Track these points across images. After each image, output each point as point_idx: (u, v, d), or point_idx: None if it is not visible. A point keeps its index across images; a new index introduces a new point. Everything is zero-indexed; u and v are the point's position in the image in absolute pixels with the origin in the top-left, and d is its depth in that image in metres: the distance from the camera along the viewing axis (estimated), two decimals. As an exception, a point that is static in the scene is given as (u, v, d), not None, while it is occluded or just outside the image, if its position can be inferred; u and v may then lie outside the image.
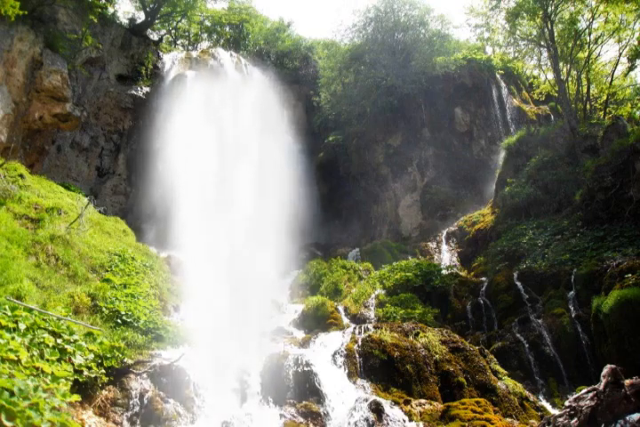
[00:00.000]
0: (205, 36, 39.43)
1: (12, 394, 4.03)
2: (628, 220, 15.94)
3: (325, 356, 10.23)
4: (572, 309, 13.10)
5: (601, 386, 6.55)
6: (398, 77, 29.42)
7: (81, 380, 7.16)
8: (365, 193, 31.82)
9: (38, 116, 19.67)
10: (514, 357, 12.04)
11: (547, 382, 11.50)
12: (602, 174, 17.48)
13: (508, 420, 8.60)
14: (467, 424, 7.96)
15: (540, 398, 10.87)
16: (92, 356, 7.53)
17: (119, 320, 10.18)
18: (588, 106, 27.39)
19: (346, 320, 15.54)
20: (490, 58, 31.82)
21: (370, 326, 11.57)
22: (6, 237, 10.78)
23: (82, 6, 21.24)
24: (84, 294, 10.28)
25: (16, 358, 5.72)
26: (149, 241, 19.22)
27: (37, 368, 5.95)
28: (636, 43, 25.45)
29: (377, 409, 8.08)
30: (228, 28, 38.18)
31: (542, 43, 26.68)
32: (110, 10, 27.28)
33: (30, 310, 7.16)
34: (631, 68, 28.06)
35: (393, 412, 8.19)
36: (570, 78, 27.54)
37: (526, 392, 10.27)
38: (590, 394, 6.55)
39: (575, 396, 6.83)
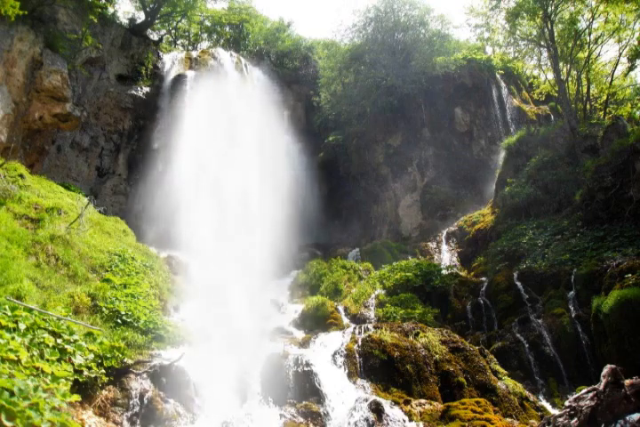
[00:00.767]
0: (205, 36, 39.44)
1: (11, 394, 4.03)
2: (628, 220, 15.94)
3: (325, 356, 10.23)
4: (572, 309, 13.10)
5: (601, 386, 6.55)
6: (398, 77, 29.43)
7: (81, 380, 7.16)
8: (365, 193, 31.83)
9: (38, 116, 19.67)
10: (514, 357, 12.04)
11: (547, 382, 11.50)
12: (602, 174, 17.48)
13: (508, 420, 8.60)
14: (467, 424, 7.96)
15: (540, 398, 10.87)
16: (92, 356, 7.54)
17: (119, 320, 10.18)
18: (588, 106, 27.39)
19: (346, 320, 15.54)
20: (490, 58, 31.83)
21: (370, 326, 11.57)
22: (6, 237, 10.77)
23: (82, 6, 21.23)
24: (84, 294, 10.28)
25: (16, 358, 5.72)
26: (149, 241, 19.21)
27: (37, 368, 5.95)
28: (636, 43, 25.46)
29: (377, 409, 8.08)
30: (228, 28, 38.18)
31: (542, 43, 26.68)
32: (110, 10, 27.29)
33: (30, 310, 7.16)
34: (631, 68, 28.07)
35: (393, 412, 8.19)
36: (570, 78, 27.54)
37: (526, 392, 10.26)
38: (590, 394, 6.55)
39: (575, 396, 6.83)
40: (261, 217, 21.18)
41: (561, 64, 26.28)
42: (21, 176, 15.56)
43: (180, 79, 28.29)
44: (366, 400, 8.30)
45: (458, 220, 25.46)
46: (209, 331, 11.99)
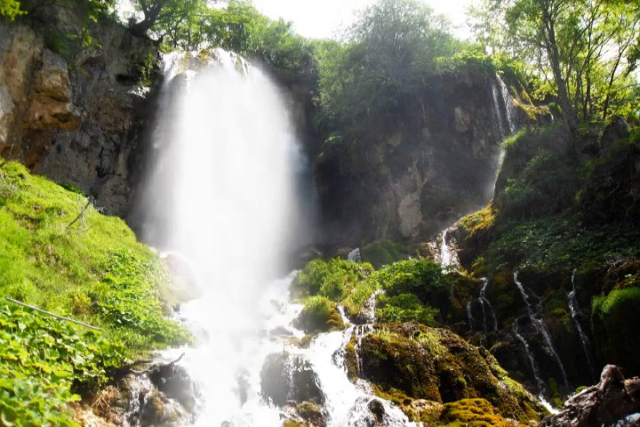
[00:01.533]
0: (205, 36, 39.42)
1: (11, 394, 4.03)
2: (628, 220, 15.94)
3: (325, 356, 10.23)
4: (572, 309, 13.10)
5: (601, 386, 6.55)
6: (398, 77, 29.42)
7: (81, 380, 7.16)
8: (365, 193, 31.82)
9: (38, 116, 19.67)
10: (514, 357, 12.04)
11: (547, 382, 11.50)
12: (602, 174, 17.48)
13: (508, 420, 8.60)
14: (467, 424, 7.96)
15: (540, 398, 10.87)
16: (91, 356, 7.54)
17: (119, 320, 10.18)
18: (588, 106, 27.39)
19: (346, 320, 15.54)
20: (490, 58, 31.83)
21: (370, 326, 11.57)
22: (6, 237, 10.77)
23: (82, 6, 21.23)
24: (84, 294, 10.28)
25: (16, 358, 5.72)
26: (149, 241, 19.20)
27: (37, 368, 5.95)
28: (636, 43, 25.46)
29: (377, 409, 8.08)
30: (227, 28, 38.17)
31: (542, 43, 26.68)
32: (110, 10, 27.28)
33: (30, 310, 7.16)
34: (631, 68, 28.07)
35: (393, 412, 8.19)
36: (570, 78, 27.54)
37: (526, 392, 10.27)
38: (590, 394, 6.55)
39: (575, 396, 6.83)
40: (261, 217, 21.18)
41: (561, 64, 26.28)
42: (21, 176, 15.56)
43: (179, 79, 28.27)
44: (366, 400, 8.30)
45: (458, 220, 25.46)
46: (209, 331, 12.00)
